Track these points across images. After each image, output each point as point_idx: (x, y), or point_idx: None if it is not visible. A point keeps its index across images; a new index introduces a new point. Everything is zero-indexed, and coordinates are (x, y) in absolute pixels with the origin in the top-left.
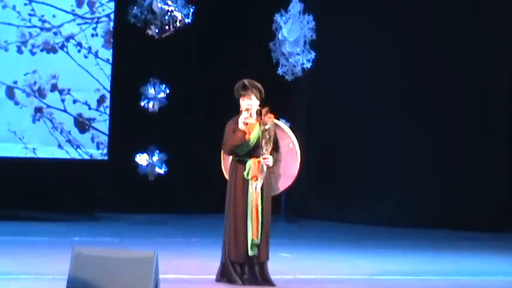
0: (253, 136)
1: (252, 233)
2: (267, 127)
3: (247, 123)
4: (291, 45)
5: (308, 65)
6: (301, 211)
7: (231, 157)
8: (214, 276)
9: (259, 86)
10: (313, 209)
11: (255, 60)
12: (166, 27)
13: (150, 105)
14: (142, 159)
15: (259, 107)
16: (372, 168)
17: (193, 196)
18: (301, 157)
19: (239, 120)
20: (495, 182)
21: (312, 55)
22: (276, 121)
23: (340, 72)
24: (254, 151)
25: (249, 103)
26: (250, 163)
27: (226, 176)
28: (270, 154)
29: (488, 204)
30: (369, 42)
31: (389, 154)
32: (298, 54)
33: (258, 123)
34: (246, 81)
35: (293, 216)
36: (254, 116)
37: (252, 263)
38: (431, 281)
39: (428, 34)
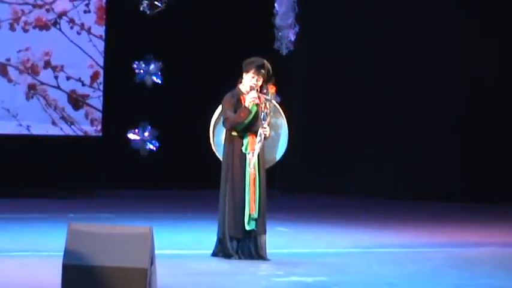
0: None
1: (250, 207)
2: (268, 98)
3: (264, 107)
4: (281, 19)
5: (293, 38)
6: (297, 185)
7: (223, 133)
8: (209, 251)
9: (271, 71)
10: (309, 182)
11: (250, 34)
12: (158, 2)
13: (142, 79)
14: (133, 135)
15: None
16: (368, 141)
17: (189, 172)
18: (297, 130)
19: (247, 98)
20: (491, 154)
21: (297, 28)
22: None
23: (335, 45)
24: (251, 126)
25: (257, 83)
26: (249, 138)
27: (216, 152)
28: (268, 125)
29: (484, 176)
30: (362, 11)
31: (386, 127)
32: (287, 28)
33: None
34: (266, 62)
35: (289, 190)
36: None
37: (249, 237)
38: (427, 253)
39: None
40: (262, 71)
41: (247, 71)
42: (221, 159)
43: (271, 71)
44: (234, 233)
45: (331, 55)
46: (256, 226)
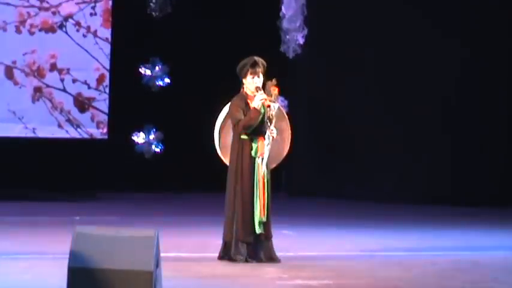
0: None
1: (260, 211)
2: (272, 99)
3: (269, 105)
4: (288, 22)
5: (301, 42)
6: (301, 188)
7: (230, 137)
8: (215, 255)
9: (265, 63)
10: (313, 185)
11: (256, 37)
12: (164, 5)
13: (148, 82)
14: (138, 138)
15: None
16: (373, 144)
17: (194, 174)
18: (302, 133)
19: (255, 99)
20: (495, 157)
21: (305, 31)
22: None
23: (340, 48)
24: (260, 128)
25: (259, 81)
26: (258, 142)
27: (222, 156)
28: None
29: (489, 179)
30: (368, 16)
31: (389, 130)
32: (295, 31)
33: None
34: (256, 58)
35: (293, 193)
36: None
37: (259, 240)
38: (433, 256)
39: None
40: (258, 68)
41: (245, 76)
42: (227, 162)
43: (265, 64)
44: (244, 237)
45: (337, 58)
46: (264, 229)
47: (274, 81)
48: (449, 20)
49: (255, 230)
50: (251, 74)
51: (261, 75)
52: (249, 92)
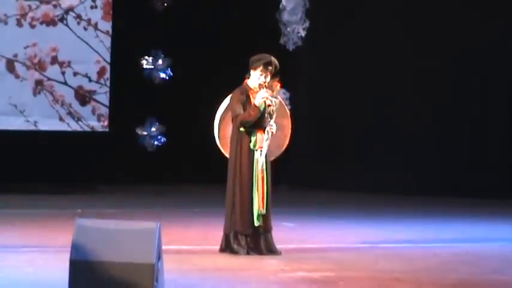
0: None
1: (258, 203)
2: (274, 95)
3: (270, 105)
4: (289, 14)
5: (303, 34)
6: (302, 180)
7: (230, 129)
8: (217, 247)
9: (278, 66)
10: (314, 177)
11: (257, 30)
12: None
13: (149, 75)
14: (140, 130)
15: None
16: (376, 136)
17: (196, 167)
18: (304, 125)
19: (257, 97)
20: (497, 149)
21: (307, 24)
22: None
23: (341, 41)
24: (259, 123)
25: (265, 80)
26: (257, 135)
27: (221, 148)
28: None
29: (490, 171)
30: (369, 9)
31: (391, 121)
32: (296, 23)
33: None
34: (273, 58)
35: (295, 185)
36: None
37: (258, 233)
38: (434, 248)
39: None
40: (270, 67)
41: (255, 68)
42: (226, 154)
43: (278, 67)
44: (243, 229)
45: (337, 51)
46: (263, 222)
47: (277, 77)
48: (451, 12)
49: (253, 223)
50: (261, 71)
51: (269, 76)
52: (251, 85)
